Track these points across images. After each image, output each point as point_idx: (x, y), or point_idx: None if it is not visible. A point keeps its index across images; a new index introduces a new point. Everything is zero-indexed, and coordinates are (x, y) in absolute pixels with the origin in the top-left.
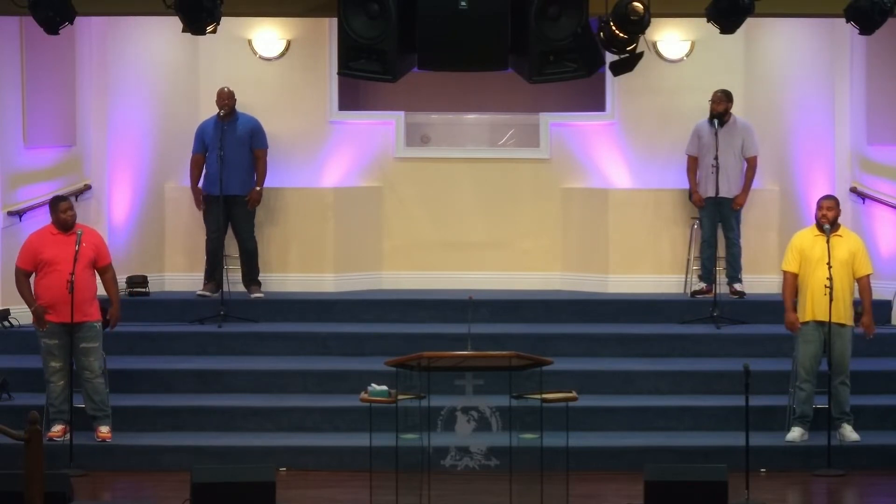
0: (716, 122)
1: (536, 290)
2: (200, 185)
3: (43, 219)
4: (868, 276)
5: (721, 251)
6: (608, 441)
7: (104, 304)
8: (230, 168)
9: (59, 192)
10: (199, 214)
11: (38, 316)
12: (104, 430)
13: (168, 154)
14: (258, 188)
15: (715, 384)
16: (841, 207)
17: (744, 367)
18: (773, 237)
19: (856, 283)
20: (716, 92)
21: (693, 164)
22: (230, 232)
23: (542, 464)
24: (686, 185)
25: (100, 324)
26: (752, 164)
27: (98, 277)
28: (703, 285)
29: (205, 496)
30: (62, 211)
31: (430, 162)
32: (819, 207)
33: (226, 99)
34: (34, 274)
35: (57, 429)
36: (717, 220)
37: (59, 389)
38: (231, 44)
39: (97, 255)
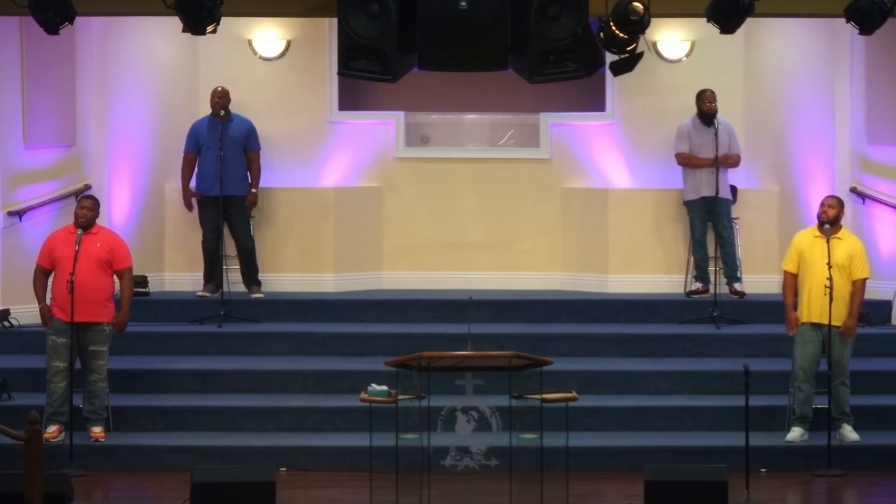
0: (717, 121)
1: (536, 290)
2: (194, 185)
3: (43, 219)
4: (863, 279)
5: (715, 251)
6: (608, 441)
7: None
8: (226, 168)
9: (60, 193)
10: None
11: (43, 315)
12: (97, 430)
13: (168, 154)
14: (254, 190)
15: (715, 384)
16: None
17: (744, 367)
18: (773, 237)
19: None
20: (709, 91)
21: (688, 162)
22: (227, 232)
23: (542, 464)
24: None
25: (110, 326)
26: (737, 162)
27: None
28: (699, 285)
29: (205, 496)
30: (78, 207)
31: (430, 162)
32: (820, 205)
33: (223, 98)
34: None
35: (52, 429)
36: (707, 220)
37: (59, 391)
38: (231, 44)
39: (112, 257)
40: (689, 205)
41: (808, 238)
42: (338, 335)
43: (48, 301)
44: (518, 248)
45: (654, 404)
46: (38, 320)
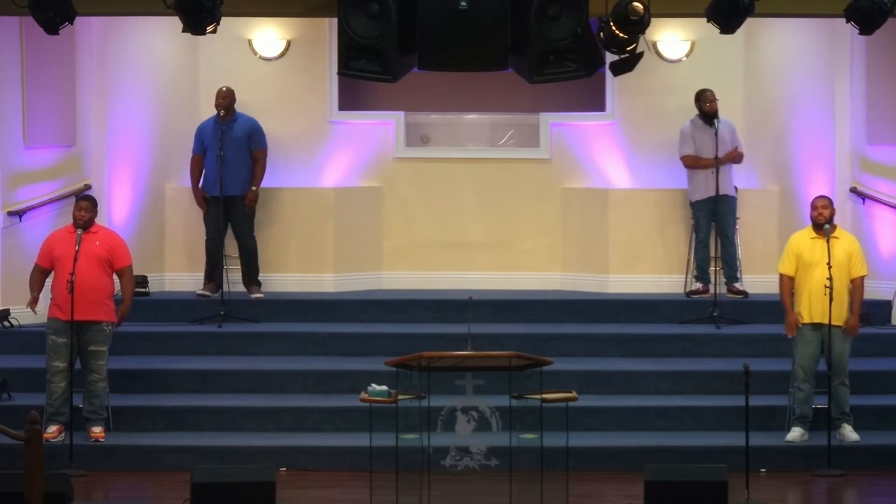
0: (717, 121)
1: (536, 290)
2: (200, 185)
3: (43, 219)
4: (862, 277)
5: (716, 250)
6: (608, 441)
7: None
8: (228, 168)
9: (60, 193)
10: (199, 214)
11: (30, 304)
12: (97, 430)
13: (168, 154)
14: (254, 188)
15: (715, 384)
16: (840, 207)
17: (744, 367)
18: (773, 237)
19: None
20: (709, 91)
21: (696, 163)
22: (230, 232)
23: (542, 464)
24: (685, 186)
25: (110, 326)
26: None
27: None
28: (699, 285)
29: (205, 496)
30: (76, 209)
31: (430, 162)
32: (814, 207)
33: (224, 98)
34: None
35: (52, 429)
36: (712, 220)
37: (59, 391)
38: (231, 44)
39: (111, 256)
40: (696, 205)
41: (805, 239)
42: (338, 335)
43: (49, 302)
44: (518, 248)
45: (654, 404)
46: (39, 320)
